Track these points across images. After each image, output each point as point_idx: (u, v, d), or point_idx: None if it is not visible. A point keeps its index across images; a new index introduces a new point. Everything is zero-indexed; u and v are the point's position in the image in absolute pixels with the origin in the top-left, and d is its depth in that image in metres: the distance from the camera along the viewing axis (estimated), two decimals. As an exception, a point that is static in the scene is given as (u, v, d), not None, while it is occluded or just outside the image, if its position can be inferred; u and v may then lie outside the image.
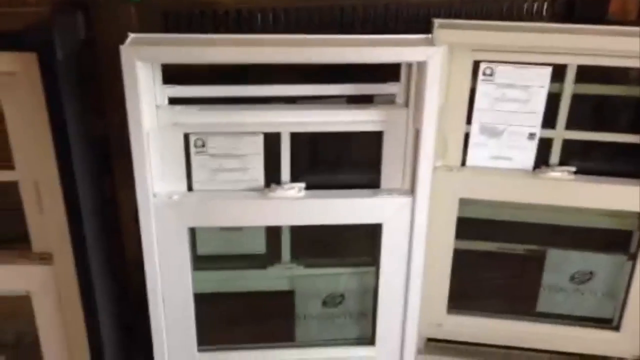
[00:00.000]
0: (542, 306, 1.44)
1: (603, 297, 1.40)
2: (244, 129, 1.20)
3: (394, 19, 1.29)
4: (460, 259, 1.39)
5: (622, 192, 1.25)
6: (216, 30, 1.24)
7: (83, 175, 1.09)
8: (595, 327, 1.41)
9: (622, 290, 1.37)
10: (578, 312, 1.43)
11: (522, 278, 1.46)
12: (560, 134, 1.27)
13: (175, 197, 1.20)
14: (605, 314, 1.42)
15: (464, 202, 1.33)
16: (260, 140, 1.21)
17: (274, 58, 1.08)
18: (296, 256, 1.35)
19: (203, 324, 1.32)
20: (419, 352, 1.48)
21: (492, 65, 1.22)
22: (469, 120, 1.28)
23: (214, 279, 1.33)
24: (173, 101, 1.18)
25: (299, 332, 1.40)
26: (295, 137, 1.22)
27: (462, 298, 1.45)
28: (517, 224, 1.37)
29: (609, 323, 1.41)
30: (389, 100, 1.21)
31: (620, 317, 1.37)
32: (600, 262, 1.38)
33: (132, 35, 1.08)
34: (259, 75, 1.19)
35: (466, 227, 1.36)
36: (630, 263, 1.34)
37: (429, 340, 1.52)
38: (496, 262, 1.46)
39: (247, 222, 1.24)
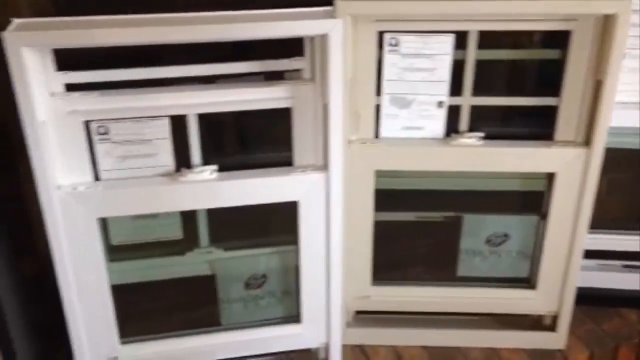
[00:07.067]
0: (462, 270, 1.47)
1: (518, 258, 1.44)
2: (147, 113, 1.16)
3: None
4: (381, 230, 1.40)
5: (529, 154, 1.28)
6: (116, 11, 1.19)
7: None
8: (513, 286, 1.45)
9: (536, 250, 1.41)
10: (496, 274, 1.46)
11: (442, 245, 1.47)
12: (467, 100, 1.28)
13: (81, 187, 1.15)
14: (521, 273, 1.45)
15: (380, 174, 1.33)
16: (165, 124, 1.17)
17: (164, 37, 1.04)
18: (215, 239, 1.32)
19: (124, 316, 1.29)
20: (349, 325, 1.49)
21: (396, 35, 1.21)
22: (379, 92, 1.28)
23: (131, 268, 1.30)
24: (73, 87, 1.13)
25: (224, 316, 1.38)
26: (204, 118, 1.19)
27: (386, 269, 1.46)
28: (434, 192, 1.38)
29: (527, 282, 1.45)
30: (299, 76, 1.20)
31: (536, 275, 1.41)
32: (514, 224, 1.41)
33: (16, 21, 1.03)
34: (167, 56, 1.15)
35: (384, 198, 1.36)
36: (543, 222, 1.38)
37: (358, 312, 1.53)
38: (416, 230, 1.47)
39: (159, 209, 1.21)
